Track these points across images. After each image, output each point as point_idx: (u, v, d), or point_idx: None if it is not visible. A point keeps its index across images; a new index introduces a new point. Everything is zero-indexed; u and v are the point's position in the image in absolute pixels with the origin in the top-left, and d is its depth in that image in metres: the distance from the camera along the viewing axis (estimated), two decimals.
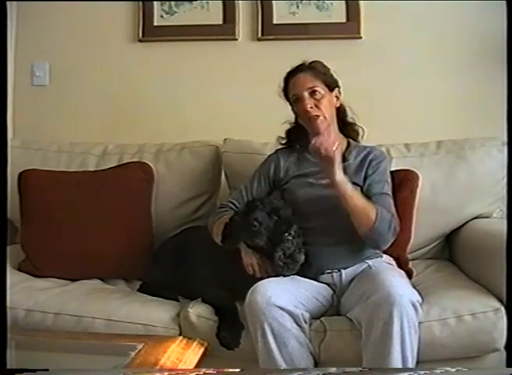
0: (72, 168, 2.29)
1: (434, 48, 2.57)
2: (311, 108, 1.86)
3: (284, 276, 1.74)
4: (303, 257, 1.75)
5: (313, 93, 1.87)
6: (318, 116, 1.86)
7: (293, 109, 1.96)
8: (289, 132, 2.02)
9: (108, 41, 2.68)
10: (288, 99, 1.95)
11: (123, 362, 1.37)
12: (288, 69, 1.94)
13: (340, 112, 1.97)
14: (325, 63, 1.94)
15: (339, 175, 1.73)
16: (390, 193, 1.87)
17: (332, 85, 1.92)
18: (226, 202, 1.97)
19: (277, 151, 2.03)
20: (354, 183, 1.85)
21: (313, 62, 1.92)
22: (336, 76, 1.94)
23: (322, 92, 1.88)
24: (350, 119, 2.00)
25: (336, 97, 1.94)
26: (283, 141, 2.04)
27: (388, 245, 1.81)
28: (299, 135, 1.98)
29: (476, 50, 2.54)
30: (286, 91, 1.94)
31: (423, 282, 1.92)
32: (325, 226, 1.82)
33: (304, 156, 1.97)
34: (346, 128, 1.99)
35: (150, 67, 2.66)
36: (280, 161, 1.98)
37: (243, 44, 2.64)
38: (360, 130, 2.01)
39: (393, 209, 1.83)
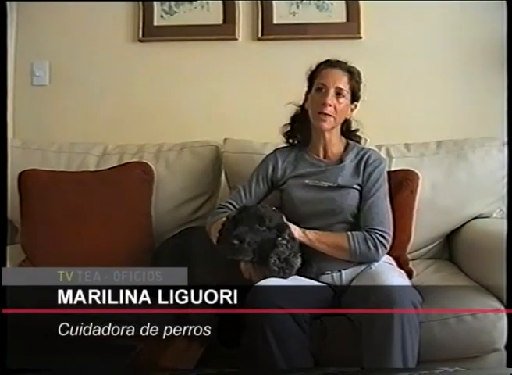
0: (72, 168, 2.28)
1: (434, 48, 2.57)
2: (330, 105, 1.86)
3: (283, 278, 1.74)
4: (299, 261, 1.73)
5: (339, 94, 1.87)
6: (330, 115, 1.86)
7: (307, 94, 1.94)
8: (294, 117, 2.00)
9: (108, 41, 2.67)
10: (310, 82, 1.93)
11: (123, 362, 1.37)
12: (328, 58, 1.91)
13: (347, 122, 1.98)
14: (362, 76, 1.93)
15: (296, 231, 1.76)
16: (385, 198, 1.87)
17: (355, 97, 1.91)
18: (225, 203, 1.97)
19: (275, 150, 2.02)
20: (349, 187, 1.85)
21: (354, 67, 1.91)
22: (362, 92, 1.93)
23: (345, 97, 1.88)
24: (353, 128, 2.01)
25: (351, 109, 1.93)
26: (287, 129, 2.01)
27: (382, 255, 1.81)
28: (303, 122, 1.96)
29: (476, 50, 2.54)
30: (313, 75, 1.92)
31: (423, 282, 1.92)
32: (325, 226, 1.83)
33: (301, 155, 1.97)
34: (348, 133, 2.00)
35: (150, 67, 2.66)
36: (278, 161, 1.97)
37: (243, 44, 2.64)
38: (362, 138, 2.02)
39: (386, 214, 1.83)
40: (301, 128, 1.98)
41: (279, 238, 1.72)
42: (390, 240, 1.82)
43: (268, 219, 1.72)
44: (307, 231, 1.79)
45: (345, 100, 1.88)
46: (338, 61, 1.91)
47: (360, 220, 1.83)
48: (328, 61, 1.91)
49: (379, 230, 1.80)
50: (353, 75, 1.90)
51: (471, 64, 2.56)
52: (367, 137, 2.03)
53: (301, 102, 1.98)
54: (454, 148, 2.19)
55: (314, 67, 1.93)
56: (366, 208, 1.83)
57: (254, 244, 1.69)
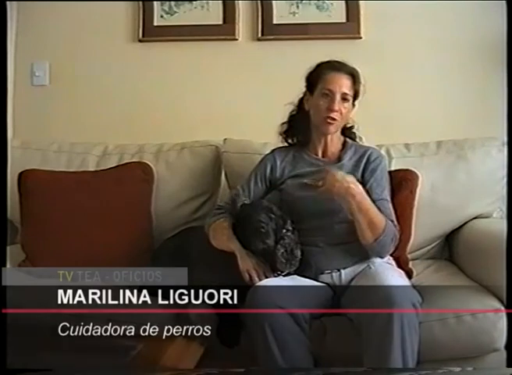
0: (72, 168, 2.28)
1: (434, 48, 2.57)
2: (337, 111, 1.85)
3: (282, 274, 1.74)
4: (299, 252, 1.76)
5: (344, 99, 1.86)
6: (336, 119, 1.86)
7: (305, 94, 1.92)
8: (292, 117, 1.99)
9: (108, 41, 2.68)
10: (310, 83, 1.90)
11: (123, 362, 1.37)
12: (329, 59, 1.89)
13: None
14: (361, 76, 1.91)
15: (358, 193, 1.74)
16: (389, 198, 1.87)
17: (356, 98, 1.90)
18: (223, 204, 1.96)
19: (273, 150, 2.02)
20: None
21: (355, 69, 1.89)
22: (362, 91, 1.91)
23: (349, 101, 1.87)
24: (349, 124, 2.00)
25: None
26: (285, 128, 2.00)
27: (388, 254, 1.82)
28: (302, 122, 1.95)
29: (476, 50, 2.54)
30: (314, 77, 1.89)
31: (423, 282, 1.92)
32: (324, 226, 1.82)
33: (300, 155, 1.96)
34: (345, 130, 1.99)
35: (150, 67, 2.66)
36: (276, 161, 1.97)
37: (243, 44, 2.64)
38: (357, 135, 2.01)
39: (393, 216, 1.83)
40: (300, 128, 1.96)
41: (284, 230, 1.75)
42: None
43: (274, 208, 1.77)
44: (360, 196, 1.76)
45: (349, 104, 1.87)
46: (340, 63, 1.88)
47: None
48: (330, 63, 1.89)
49: (396, 228, 1.80)
50: (356, 78, 1.88)
51: (471, 64, 2.56)
52: (361, 136, 2.01)
53: (298, 102, 1.96)
54: (454, 148, 2.19)
55: (314, 68, 1.91)
56: (378, 205, 1.80)
57: (272, 229, 1.73)
